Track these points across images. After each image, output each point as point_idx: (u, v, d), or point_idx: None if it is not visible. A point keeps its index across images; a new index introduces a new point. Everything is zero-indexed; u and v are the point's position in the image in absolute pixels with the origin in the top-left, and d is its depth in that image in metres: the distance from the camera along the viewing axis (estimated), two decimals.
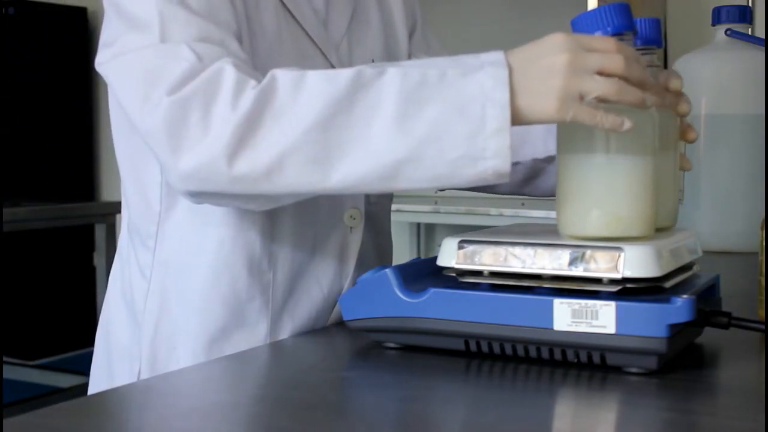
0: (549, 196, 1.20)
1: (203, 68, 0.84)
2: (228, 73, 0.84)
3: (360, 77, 0.83)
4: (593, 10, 0.81)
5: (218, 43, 0.88)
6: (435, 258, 0.86)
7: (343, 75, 0.83)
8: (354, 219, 1.06)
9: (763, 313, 0.94)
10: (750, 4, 2.23)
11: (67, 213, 3.10)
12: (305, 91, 0.83)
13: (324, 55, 1.03)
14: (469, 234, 0.86)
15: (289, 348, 0.94)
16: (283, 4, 1.00)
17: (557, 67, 0.80)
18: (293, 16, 1.01)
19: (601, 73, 0.79)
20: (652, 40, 0.91)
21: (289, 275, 1.02)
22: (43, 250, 3.98)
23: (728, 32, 1.64)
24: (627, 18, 0.81)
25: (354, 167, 0.83)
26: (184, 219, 1.00)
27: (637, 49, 0.89)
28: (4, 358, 3.74)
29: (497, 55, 0.83)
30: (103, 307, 1.09)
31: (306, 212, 1.01)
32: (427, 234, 3.00)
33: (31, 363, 3.87)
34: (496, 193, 1.26)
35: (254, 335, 1.00)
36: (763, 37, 1.64)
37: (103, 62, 0.92)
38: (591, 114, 0.79)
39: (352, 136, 0.82)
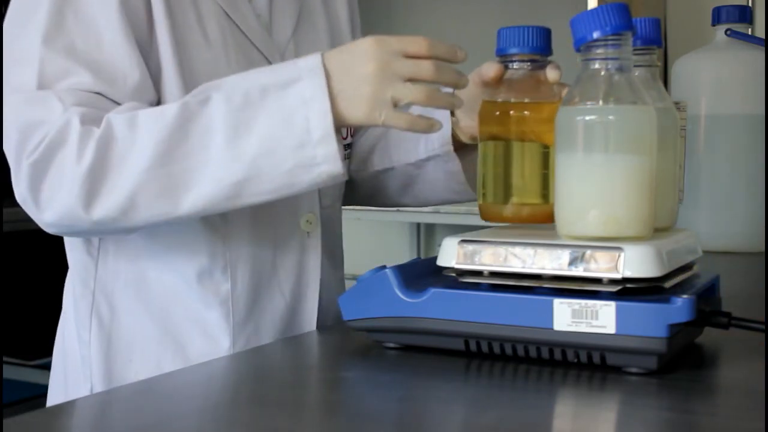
0: (427, 204, 1.20)
1: (58, 124, 0.88)
2: (74, 126, 0.87)
3: (186, 109, 0.88)
4: (591, 10, 0.80)
5: (94, 89, 0.91)
6: (435, 258, 0.86)
7: (171, 110, 0.88)
8: (310, 224, 1.06)
9: None
10: (750, 4, 2.23)
11: None
12: (139, 133, 0.88)
13: (268, 61, 1.02)
14: (469, 234, 0.86)
15: (288, 348, 0.94)
16: (226, 13, 1.00)
17: (366, 75, 0.86)
18: (236, 24, 1.01)
19: (413, 79, 0.86)
20: (652, 40, 0.91)
21: (250, 286, 1.01)
22: (43, 250, 3.98)
23: (728, 32, 1.63)
24: (625, 18, 0.80)
25: (199, 194, 0.88)
26: None
27: (637, 49, 0.89)
28: (4, 358, 3.74)
29: (314, 61, 0.87)
30: (60, 320, 1.11)
31: (263, 221, 1.01)
32: (427, 234, 3.00)
33: (31, 363, 3.87)
34: (377, 206, 1.24)
35: (216, 346, 1.00)
36: (763, 37, 1.64)
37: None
38: (403, 119, 0.87)
39: (192, 166, 0.87)
